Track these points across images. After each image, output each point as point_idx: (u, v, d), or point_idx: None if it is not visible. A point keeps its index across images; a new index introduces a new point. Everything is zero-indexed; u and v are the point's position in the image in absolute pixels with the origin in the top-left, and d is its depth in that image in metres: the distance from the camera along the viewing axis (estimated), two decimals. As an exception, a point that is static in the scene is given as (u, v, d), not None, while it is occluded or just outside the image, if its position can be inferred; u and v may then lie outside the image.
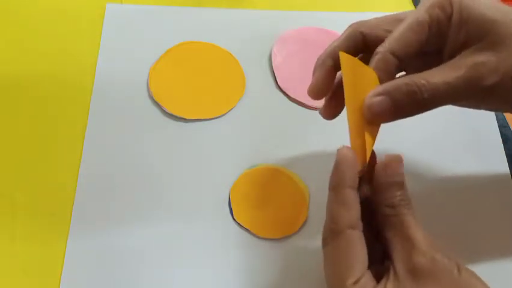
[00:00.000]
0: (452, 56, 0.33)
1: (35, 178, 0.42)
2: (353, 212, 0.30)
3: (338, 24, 0.51)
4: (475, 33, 0.33)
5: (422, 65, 0.35)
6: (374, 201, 0.31)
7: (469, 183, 0.44)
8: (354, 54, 0.35)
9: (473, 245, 0.41)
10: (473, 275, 0.30)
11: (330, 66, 0.37)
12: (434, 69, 0.33)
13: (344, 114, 0.34)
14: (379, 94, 0.32)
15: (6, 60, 0.47)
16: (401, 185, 0.31)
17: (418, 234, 0.29)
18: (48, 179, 0.42)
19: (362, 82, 0.32)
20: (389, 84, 0.32)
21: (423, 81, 0.32)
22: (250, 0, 0.52)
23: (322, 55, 0.37)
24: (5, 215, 0.40)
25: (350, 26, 0.37)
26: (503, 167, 0.45)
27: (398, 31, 0.34)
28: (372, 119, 0.32)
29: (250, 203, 0.42)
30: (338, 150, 0.32)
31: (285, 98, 0.47)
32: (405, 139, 0.45)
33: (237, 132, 0.45)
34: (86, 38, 0.48)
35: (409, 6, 0.54)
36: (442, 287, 0.28)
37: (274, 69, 0.48)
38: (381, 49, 0.33)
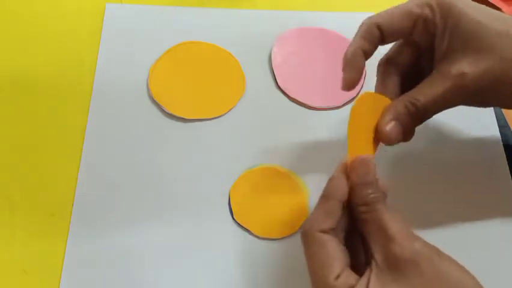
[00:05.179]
0: (440, 60, 0.36)
1: (35, 178, 0.42)
2: (329, 220, 0.31)
3: (338, 24, 0.51)
4: (458, 42, 0.35)
5: (416, 73, 0.38)
6: (352, 205, 0.32)
7: (468, 183, 0.44)
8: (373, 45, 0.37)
9: (472, 245, 0.41)
10: (454, 262, 0.30)
11: (362, 63, 0.37)
12: (423, 83, 0.36)
13: (342, 118, 0.35)
14: (391, 120, 0.35)
15: (6, 60, 0.47)
16: (371, 184, 0.32)
17: (394, 225, 0.30)
18: (48, 179, 0.42)
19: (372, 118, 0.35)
20: (393, 109, 0.35)
21: (417, 102, 0.35)
22: (250, 0, 0.52)
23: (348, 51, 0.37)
24: (4, 215, 0.40)
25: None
26: (503, 167, 0.45)
27: (387, 11, 0.37)
28: (389, 143, 0.35)
29: (250, 203, 0.42)
30: (340, 164, 0.33)
31: (285, 98, 0.47)
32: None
33: (237, 132, 0.45)
34: (86, 38, 0.48)
35: (409, 6, 0.54)
36: (424, 273, 0.29)
37: (274, 69, 0.48)
38: (367, 21, 0.37)
